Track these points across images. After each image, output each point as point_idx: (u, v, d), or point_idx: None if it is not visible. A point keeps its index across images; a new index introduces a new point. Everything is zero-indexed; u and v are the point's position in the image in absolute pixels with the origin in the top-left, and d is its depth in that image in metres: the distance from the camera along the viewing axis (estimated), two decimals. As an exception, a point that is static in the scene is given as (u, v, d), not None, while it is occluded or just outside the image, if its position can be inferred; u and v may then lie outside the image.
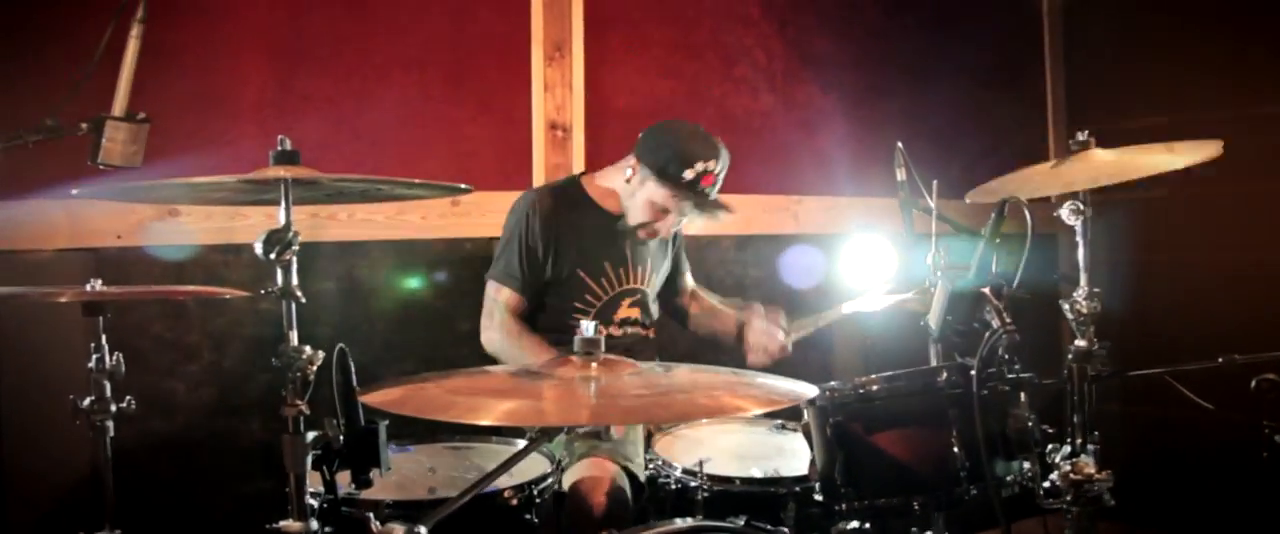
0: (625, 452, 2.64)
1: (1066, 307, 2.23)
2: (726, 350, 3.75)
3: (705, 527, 2.10)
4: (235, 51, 3.01)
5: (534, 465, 2.33)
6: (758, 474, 2.38)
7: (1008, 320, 1.89)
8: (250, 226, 2.94)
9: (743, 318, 3.02)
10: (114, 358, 2.08)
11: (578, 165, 3.45)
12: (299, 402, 1.74)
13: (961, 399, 1.99)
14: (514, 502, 2.17)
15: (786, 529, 2.21)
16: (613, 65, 3.64)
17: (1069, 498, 1.99)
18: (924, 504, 2.03)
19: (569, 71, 3.52)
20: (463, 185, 1.94)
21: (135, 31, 2.02)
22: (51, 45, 2.66)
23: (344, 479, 1.88)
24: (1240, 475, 2.85)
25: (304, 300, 1.76)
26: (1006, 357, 2.01)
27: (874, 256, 3.61)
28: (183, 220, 2.91)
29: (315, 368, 1.75)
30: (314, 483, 1.82)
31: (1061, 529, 2.04)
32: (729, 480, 2.34)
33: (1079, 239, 2.24)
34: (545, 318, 2.92)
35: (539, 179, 3.44)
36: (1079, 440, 2.06)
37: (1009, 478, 2.05)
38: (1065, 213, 2.25)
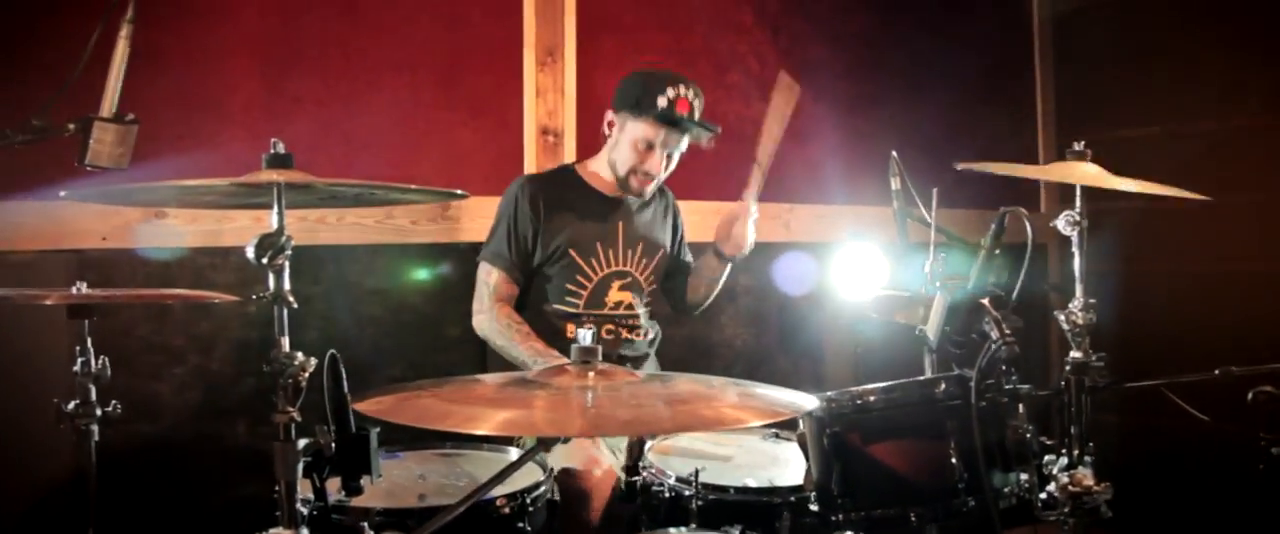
0: (609, 442, 2.68)
1: (1062, 317, 2.22)
2: (718, 358, 3.76)
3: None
4: (225, 53, 2.99)
5: (526, 473, 2.30)
6: (752, 484, 2.35)
7: (1007, 331, 1.87)
8: (238, 230, 2.92)
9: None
10: (100, 361, 2.05)
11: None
12: (290, 409, 1.71)
13: (960, 410, 1.98)
14: (506, 510, 2.15)
15: (781, 540, 2.20)
16: (605, 71, 3.61)
17: (1067, 510, 1.97)
18: (921, 516, 2.01)
19: (561, 76, 3.51)
20: (458, 191, 1.91)
21: (124, 32, 1.99)
22: (39, 46, 2.62)
23: (333, 486, 1.85)
24: (1236, 488, 2.84)
25: (296, 305, 1.73)
26: (1005, 368, 1.99)
27: (866, 265, 3.61)
28: (169, 222, 2.87)
29: (307, 374, 1.72)
30: (303, 490, 1.79)
31: (1059, 541, 2.03)
32: (723, 489, 2.31)
33: (1075, 250, 2.24)
34: (539, 299, 2.94)
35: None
36: (1076, 452, 2.05)
37: (1006, 489, 2.04)
38: (1061, 223, 2.24)
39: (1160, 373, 2.40)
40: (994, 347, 1.88)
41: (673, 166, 2.97)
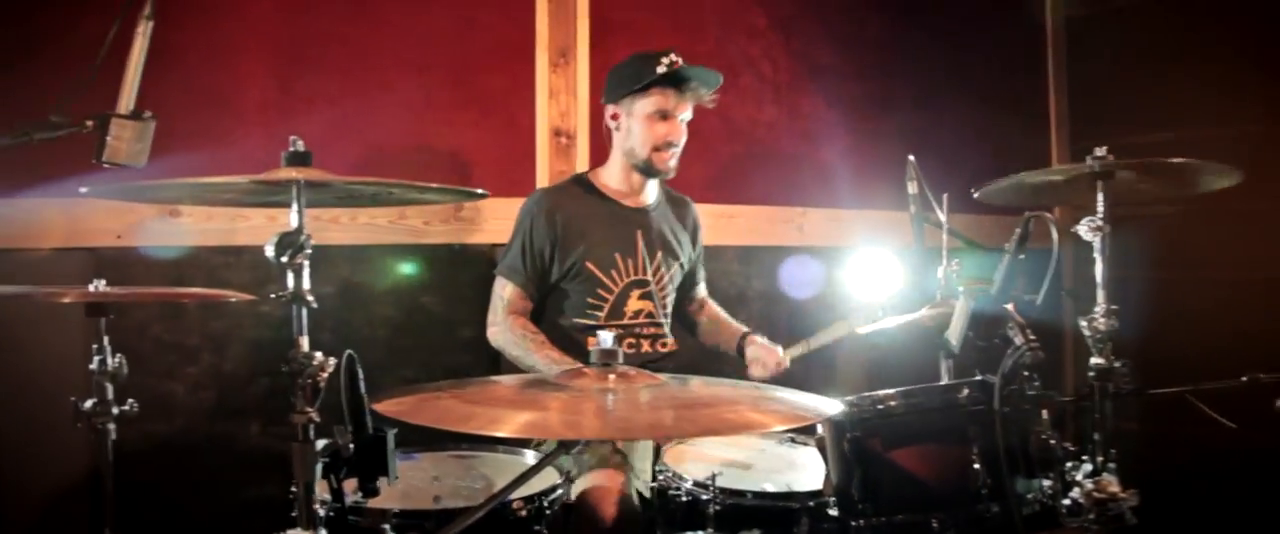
0: (634, 464, 2.61)
1: (1083, 323, 2.21)
2: (728, 361, 3.74)
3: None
4: (238, 51, 2.99)
5: (543, 476, 2.28)
6: (770, 488, 2.33)
7: (1032, 337, 1.86)
8: (252, 228, 2.91)
9: (745, 337, 3.01)
10: (116, 360, 2.04)
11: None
12: (309, 409, 1.70)
13: (983, 415, 1.96)
14: (523, 513, 2.13)
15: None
16: (618, 72, 3.60)
17: (1092, 516, 1.95)
18: (943, 521, 1.98)
19: (574, 78, 3.49)
20: (479, 190, 1.90)
21: (142, 29, 1.97)
22: (56, 42, 2.62)
23: (350, 487, 1.84)
24: (1263, 496, 2.82)
25: (315, 305, 1.71)
26: (1028, 373, 1.97)
27: (880, 271, 3.58)
28: (184, 221, 2.88)
29: (326, 375, 1.70)
30: (320, 491, 1.78)
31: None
32: (741, 494, 2.28)
33: (1097, 255, 2.22)
34: (557, 314, 2.90)
35: (542, 185, 3.40)
36: (1100, 458, 2.03)
37: (1029, 495, 2.02)
38: (1083, 229, 2.23)
39: (1180, 380, 2.38)
40: (1018, 352, 1.86)
41: (684, 137, 2.90)
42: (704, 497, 2.25)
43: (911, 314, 2.67)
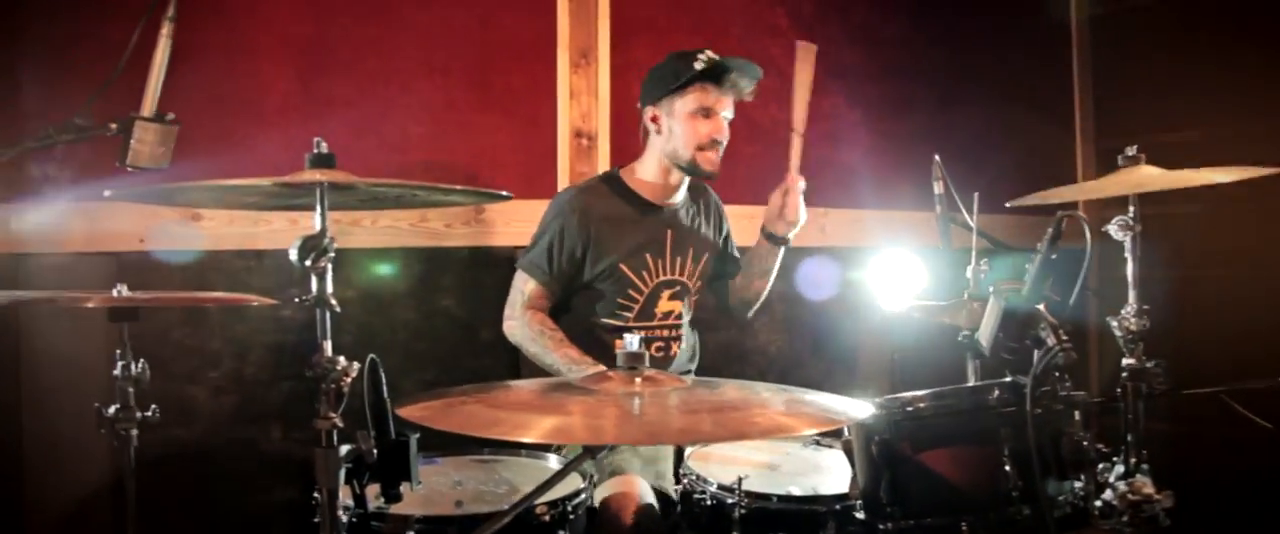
0: (657, 468, 2.59)
1: (1114, 323, 2.19)
2: (751, 363, 3.72)
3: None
4: (259, 54, 2.98)
5: (567, 481, 2.26)
6: (796, 492, 2.31)
7: (1064, 338, 1.82)
8: (273, 232, 2.91)
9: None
10: (139, 365, 2.03)
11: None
12: (332, 414, 1.68)
13: (1014, 417, 1.93)
14: (547, 518, 2.11)
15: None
16: (639, 73, 3.54)
17: (1125, 518, 1.92)
18: (973, 524, 1.95)
19: (595, 79, 3.48)
20: (503, 192, 1.88)
21: (166, 31, 1.97)
22: (80, 45, 2.62)
23: (372, 492, 1.83)
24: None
25: (339, 309, 1.70)
26: (1059, 374, 1.94)
27: (903, 270, 3.55)
28: (205, 224, 2.88)
29: (350, 380, 1.69)
30: (342, 496, 1.76)
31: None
32: (766, 498, 2.26)
33: (1128, 255, 2.21)
34: (588, 314, 2.87)
35: (564, 188, 3.38)
36: (1133, 460, 2.00)
37: (1061, 498, 1.99)
38: (1114, 228, 2.21)
39: (1206, 380, 2.35)
40: (1051, 353, 1.83)
41: (727, 135, 2.85)
42: (729, 500, 2.23)
43: (943, 302, 2.64)
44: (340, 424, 1.69)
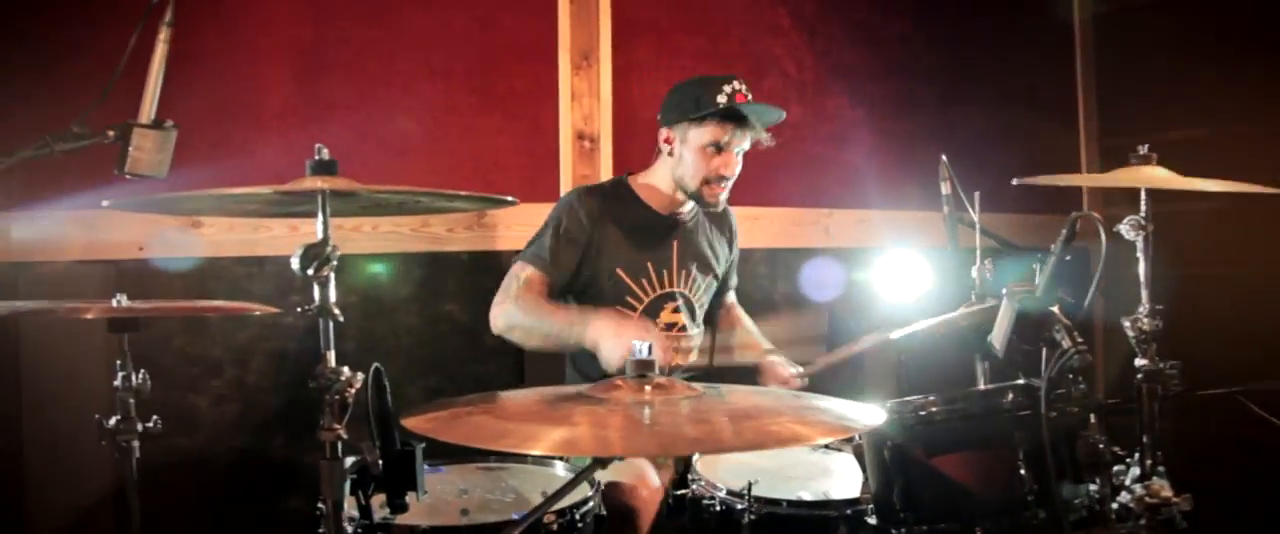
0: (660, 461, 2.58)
1: (1127, 323, 2.16)
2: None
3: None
4: (258, 58, 2.96)
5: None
6: (806, 497, 2.28)
7: (1079, 340, 1.80)
8: (273, 239, 2.88)
9: (764, 357, 2.94)
10: (140, 376, 2.00)
11: (605, 176, 3.37)
12: (336, 426, 1.65)
13: (1028, 420, 1.90)
14: (555, 526, 2.08)
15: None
16: (640, 74, 3.56)
17: (1143, 522, 1.90)
18: (988, 530, 1.93)
19: (596, 80, 3.45)
20: (507, 198, 1.86)
21: (163, 36, 1.93)
22: (77, 52, 2.60)
23: (377, 502, 1.80)
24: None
25: (342, 319, 1.67)
26: (1074, 376, 1.92)
27: (909, 271, 3.53)
28: (205, 231, 2.85)
29: (354, 390, 1.66)
30: (348, 507, 1.73)
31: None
32: (776, 503, 2.23)
33: (1140, 255, 2.18)
34: None
35: (566, 190, 3.36)
36: (1148, 462, 1.97)
37: (1076, 501, 1.96)
38: (1125, 228, 2.18)
39: (1217, 380, 2.32)
40: (1066, 355, 1.80)
41: (738, 169, 2.79)
42: (739, 506, 2.21)
43: (948, 314, 2.61)
44: (345, 436, 1.66)
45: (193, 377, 2.86)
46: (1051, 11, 4.70)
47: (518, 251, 2.92)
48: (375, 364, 1.73)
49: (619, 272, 2.77)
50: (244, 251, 2.90)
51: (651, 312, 2.83)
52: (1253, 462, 3.52)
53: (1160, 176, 2.17)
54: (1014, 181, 2.41)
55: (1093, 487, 1.99)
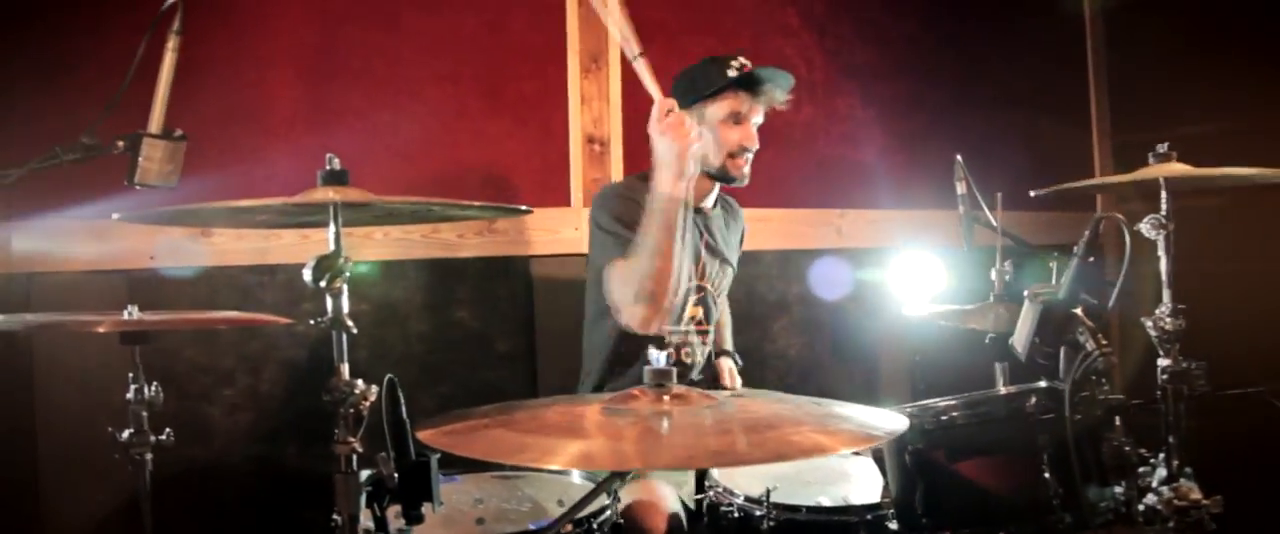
0: (676, 477, 2.53)
1: (1149, 323, 2.13)
2: (772, 369, 3.67)
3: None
4: (267, 65, 2.94)
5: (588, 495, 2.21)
6: (825, 502, 2.25)
7: (1104, 341, 1.77)
8: (285, 247, 2.87)
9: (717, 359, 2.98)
10: (153, 388, 1.98)
11: (617, 179, 3.35)
12: (351, 439, 1.63)
13: (1053, 423, 1.87)
14: (572, 536, 2.06)
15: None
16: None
17: (1171, 524, 1.87)
18: (1012, 534, 1.91)
19: (606, 83, 3.43)
20: (521, 207, 1.83)
21: (172, 44, 1.92)
22: (85, 62, 2.59)
23: (392, 513, 1.78)
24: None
25: (355, 331, 1.65)
26: (1097, 378, 1.89)
27: (922, 271, 3.50)
28: (215, 240, 2.84)
29: (369, 404, 1.64)
30: (364, 519, 1.71)
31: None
32: (795, 509, 2.21)
33: (1162, 253, 2.15)
34: (618, 330, 2.68)
35: (577, 194, 3.35)
36: (1176, 463, 1.94)
37: (1103, 504, 1.93)
38: (1146, 227, 2.15)
39: (1235, 376, 2.30)
40: (1091, 357, 1.78)
41: (757, 141, 2.76)
42: (757, 513, 2.18)
43: (967, 306, 2.59)
44: (360, 449, 1.64)
45: (205, 386, 2.84)
46: (1062, 7, 4.67)
47: (531, 258, 2.90)
48: (389, 375, 1.71)
49: None
50: (255, 260, 2.88)
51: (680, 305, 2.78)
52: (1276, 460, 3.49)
53: (1184, 170, 2.14)
54: (1032, 194, 2.39)
55: (1118, 489, 1.96)
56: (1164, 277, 2.15)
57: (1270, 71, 4.04)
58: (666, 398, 1.61)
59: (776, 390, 2.68)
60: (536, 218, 3.14)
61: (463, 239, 3.18)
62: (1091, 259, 1.83)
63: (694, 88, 2.72)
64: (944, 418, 1.96)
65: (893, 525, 2.06)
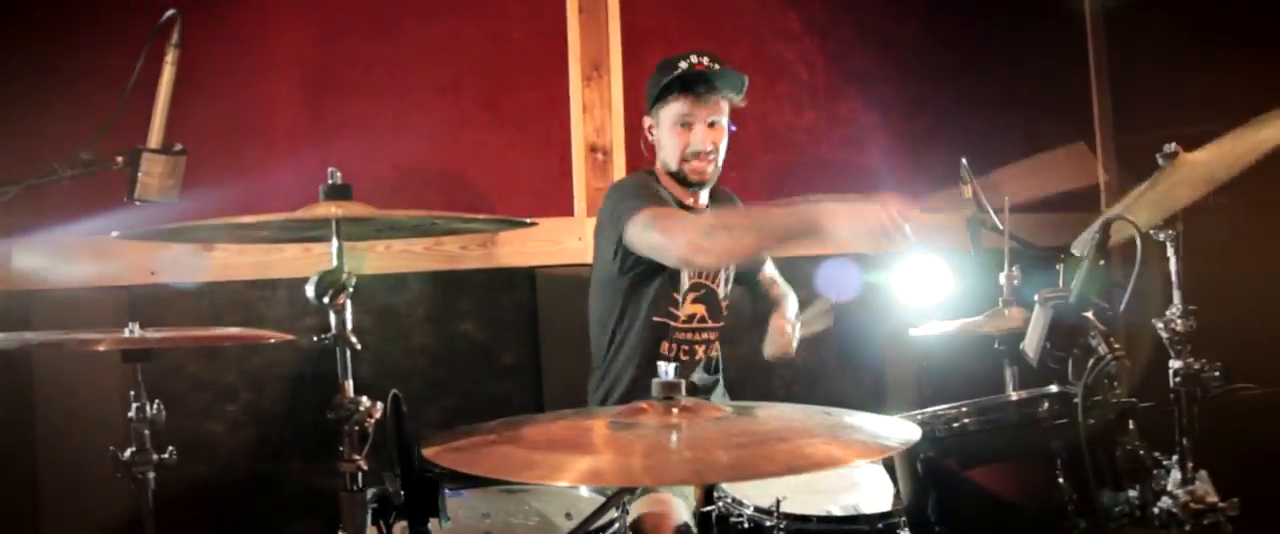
0: (683, 487, 2.51)
1: (1160, 325, 2.11)
2: (782, 377, 3.65)
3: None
4: (267, 78, 2.94)
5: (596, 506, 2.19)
6: (836, 511, 2.23)
7: (1116, 345, 1.75)
8: (287, 261, 2.85)
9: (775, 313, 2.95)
10: (154, 406, 1.97)
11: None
12: (356, 456, 1.61)
13: (1066, 429, 1.85)
14: (580, 549, 2.03)
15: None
16: (652, 84, 3.52)
17: (1188, 528, 1.85)
18: (1028, 542, 1.89)
19: (608, 92, 3.42)
20: (526, 220, 1.82)
21: (171, 58, 1.91)
22: (83, 76, 2.57)
23: (398, 530, 1.75)
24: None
25: (359, 347, 1.63)
26: (1109, 382, 1.87)
27: (928, 275, 3.47)
28: (217, 254, 2.83)
29: (373, 421, 1.62)
30: (369, 535, 1.70)
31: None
32: (806, 519, 2.18)
33: (1171, 255, 2.13)
34: (638, 312, 2.72)
35: (580, 204, 3.33)
36: (1190, 466, 1.92)
37: (1117, 509, 1.91)
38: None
39: (1244, 377, 2.28)
40: (1103, 362, 1.75)
41: (724, 141, 2.73)
42: (767, 523, 2.16)
43: (973, 318, 2.57)
44: (365, 466, 1.62)
45: (207, 403, 2.83)
46: (1063, 8, 4.65)
47: (535, 268, 2.87)
48: (393, 391, 1.69)
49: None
50: (257, 274, 2.87)
51: (683, 302, 2.78)
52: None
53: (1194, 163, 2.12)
54: (1040, 197, 2.37)
55: (1132, 493, 1.94)
56: (1174, 277, 2.13)
57: (1272, 71, 4.03)
58: (675, 411, 1.58)
59: (783, 400, 2.67)
60: (540, 228, 3.12)
61: (465, 251, 3.16)
62: (1102, 262, 1.81)
63: (650, 96, 2.73)
64: (956, 425, 1.94)
65: (905, 534, 2.05)
